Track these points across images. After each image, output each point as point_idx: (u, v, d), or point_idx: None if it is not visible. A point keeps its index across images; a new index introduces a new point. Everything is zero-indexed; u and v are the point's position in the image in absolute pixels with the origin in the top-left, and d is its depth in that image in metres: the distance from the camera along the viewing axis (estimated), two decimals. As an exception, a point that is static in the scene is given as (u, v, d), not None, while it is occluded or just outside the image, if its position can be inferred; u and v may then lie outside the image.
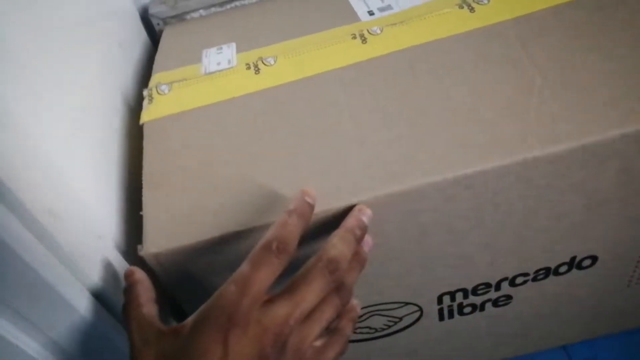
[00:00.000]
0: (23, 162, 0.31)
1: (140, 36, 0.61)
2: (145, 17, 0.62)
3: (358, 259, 0.34)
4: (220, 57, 0.50)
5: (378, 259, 0.42)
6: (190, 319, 0.31)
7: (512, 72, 0.41)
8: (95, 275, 0.37)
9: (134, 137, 0.47)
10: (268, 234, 0.31)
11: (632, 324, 0.60)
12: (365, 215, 0.35)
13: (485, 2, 0.46)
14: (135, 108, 0.52)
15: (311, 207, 0.33)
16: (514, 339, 0.57)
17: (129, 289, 0.35)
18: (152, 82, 0.49)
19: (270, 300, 0.30)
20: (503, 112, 0.39)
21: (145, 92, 0.47)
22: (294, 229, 0.31)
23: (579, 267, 0.48)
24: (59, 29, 0.42)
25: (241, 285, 0.29)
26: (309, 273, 0.31)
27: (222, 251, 0.38)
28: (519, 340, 0.58)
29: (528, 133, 0.37)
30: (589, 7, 0.43)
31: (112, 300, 0.39)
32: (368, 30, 0.46)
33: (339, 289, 0.32)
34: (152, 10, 0.61)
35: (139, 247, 0.38)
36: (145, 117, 0.45)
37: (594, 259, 0.47)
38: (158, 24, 0.62)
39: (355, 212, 0.35)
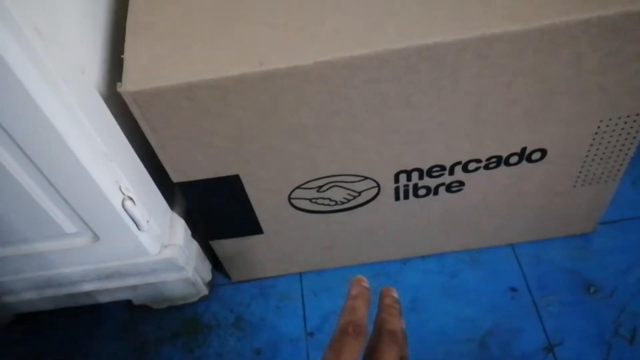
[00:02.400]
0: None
1: None
2: None
3: (404, 332, 0.35)
4: None
5: (340, 127, 0.45)
6: None
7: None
8: (76, 105, 0.40)
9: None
10: (341, 321, 0.32)
11: (579, 228, 0.65)
12: (396, 292, 0.36)
13: None
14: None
15: (369, 290, 0.35)
16: (465, 230, 0.62)
17: (358, 299, 0.34)
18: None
19: None
20: (471, -9, 0.41)
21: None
22: (362, 312, 0.33)
23: (529, 159, 0.51)
24: None
25: None
26: (380, 347, 0.32)
27: (195, 97, 0.41)
28: (469, 233, 0.62)
29: (489, 12, 0.40)
30: None
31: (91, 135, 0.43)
32: None
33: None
34: None
35: (118, 84, 0.40)
36: (133, -30, 0.47)
37: (543, 152, 0.51)
38: None
39: (387, 291, 0.36)
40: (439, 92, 0.43)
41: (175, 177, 0.49)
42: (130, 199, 0.49)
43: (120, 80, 0.41)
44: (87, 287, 0.61)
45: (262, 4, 0.43)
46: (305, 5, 0.42)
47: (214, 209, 0.54)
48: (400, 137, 0.47)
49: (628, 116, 0.48)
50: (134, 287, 0.62)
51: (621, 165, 0.54)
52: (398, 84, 0.42)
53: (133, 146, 0.50)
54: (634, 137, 0.50)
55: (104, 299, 0.63)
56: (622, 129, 0.49)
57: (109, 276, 0.59)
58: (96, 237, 0.52)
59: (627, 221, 0.66)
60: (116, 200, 0.48)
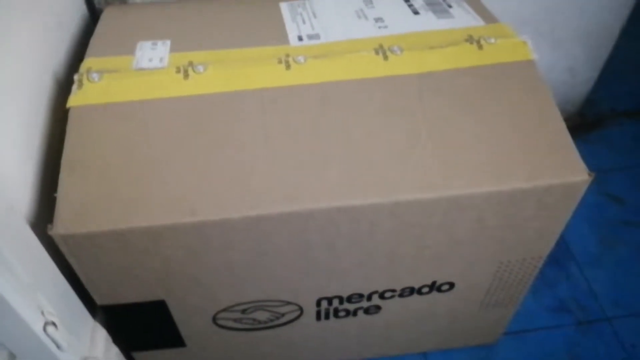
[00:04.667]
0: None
1: (80, 12, 0.62)
2: (88, -6, 0.63)
3: None
4: (154, 53, 0.54)
5: (267, 265, 0.48)
6: None
7: (405, 123, 0.47)
8: (3, 247, 0.41)
9: (60, 117, 0.50)
10: None
11: (484, 340, 0.70)
12: None
13: (399, 53, 0.52)
14: (64, 86, 0.55)
15: None
16: (379, 342, 0.65)
17: None
18: (84, 66, 0.52)
19: None
20: (390, 156, 0.45)
21: (75, 77, 0.50)
22: None
23: (439, 290, 0.56)
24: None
25: None
26: None
27: (126, 240, 0.43)
28: (384, 343, 0.66)
29: (404, 178, 0.44)
30: (481, 76, 0.50)
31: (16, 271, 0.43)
32: (293, 59, 0.52)
33: None
34: (95, -11, 0.62)
35: (49, 226, 0.41)
36: (72, 101, 0.48)
37: (451, 284, 0.56)
38: (99, 3, 0.63)
39: None
40: (358, 240, 0.47)
41: (100, 300, 0.50)
42: (53, 323, 0.48)
43: (50, 218, 0.41)
44: (-4, 397, 0.58)
45: (200, 149, 0.46)
46: (240, 156, 0.45)
47: (137, 327, 0.55)
48: (324, 273, 0.51)
49: (524, 259, 0.54)
50: (47, 397, 0.60)
51: (521, 292, 0.60)
52: (321, 234, 0.45)
53: (59, 265, 0.50)
54: (530, 273, 0.56)
55: (13, 407, 0.61)
56: (519, 267, 0.55)
57: (21, 388, 0.57)
58: (12, 356, 0.51)
59: (527, 333, 0.72)
60: (38, 325, 0.47)
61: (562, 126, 0.47)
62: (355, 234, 0.46)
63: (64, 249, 0.43)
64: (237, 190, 0.44)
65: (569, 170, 0.45)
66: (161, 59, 0.53)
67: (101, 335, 0.59)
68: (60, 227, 0.41)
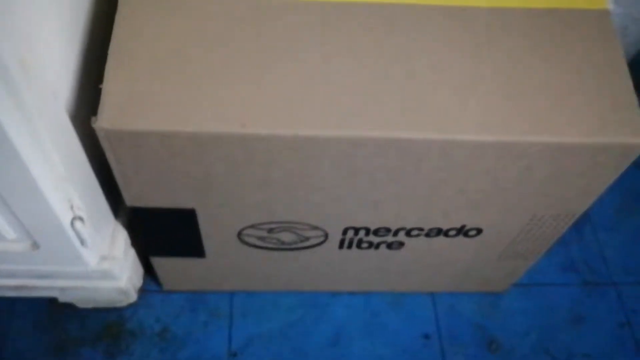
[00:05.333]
0: None
1: None
2: None
3: None
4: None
5: (305, 187, 0.47)
6: None
7: (471, 57, 0.45)
8: (44, 133, 0.39)
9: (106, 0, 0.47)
10: None
11: (494, 288, 0.71)
12: None
13: (467, -17, 0.49)
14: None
15: None
16: (394, 277, 0.66)
17: None
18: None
19: None
20: (450, 93, 0.43)
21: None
22: None
23: (466, 234, 0.56)
24: None
25: None
26: None
27: (171, 144, 0.41)
28: (397, 279, 0.67)
29: (460, 118, 0.42)
30: (554, 20, 0.48)
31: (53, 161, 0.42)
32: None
33: None
34: None
35: (92, 118, 0.40)
36: (122, -12, 0.45)
37: (479, 230, 0.55)
38: None
39: None
40: (402, 175, 0.46)
41: (130, 201, 0.49)
42: (80, 218, 0.48)
43: (94, 109, 0.40)
44: (13, 282, 0.59)
45: (256, 60, 0.43)
46: (297, 73, 0.43)
47: (161, 233, 0.54)
48: (358, 202, 0.50)
49: (558, 214, 0.53)
50: (63, 288, 0.61)
51: (543, 247, 0.60)
52: (368, 164, 0.44)
53: (91, 161, 0.49)
54: (559, 230, 0.56)
55: (29, 294, 0.62)
56: (550, 222, 0.55)
57: (39, 276, 0.58)
58: (36, 246, 0.51)
59: (535, 286, 0.73)
60: (66, 218, 0.47)
61: (629, 84, 0.45)
62: (400, 167, 0.45)
63: (105, 144, 0.41)
64: (289, 108, 0.42)
65: (629, 131, 0.44)
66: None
67: (122, 236, 0.59)
68: (105, 121, 0.40)
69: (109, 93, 0.41)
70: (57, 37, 0.41)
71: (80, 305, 0.65)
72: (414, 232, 0.55)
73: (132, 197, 0.48)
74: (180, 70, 0.42)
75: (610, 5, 0.49)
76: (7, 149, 0.37)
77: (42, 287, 0.60)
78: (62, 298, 0.63)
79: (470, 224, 0.54)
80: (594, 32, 0.47)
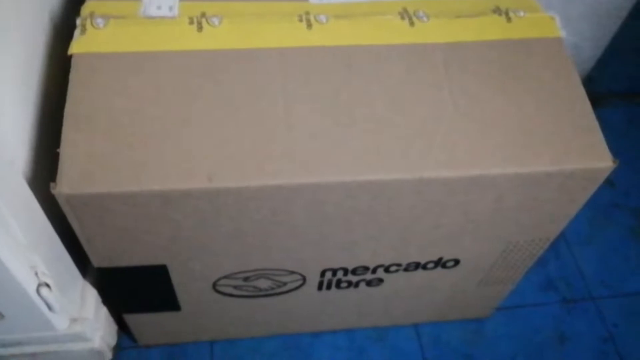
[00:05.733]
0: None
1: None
2: None
3: None
4: (162, 0, 0.50)
5: (278, 235, 0.46)
6: None
7: (431, 95, 0.45)
8: (2, 205, 0.38)
9: (58, 62, 0.46)
10: None
11: (477, 314, 0.71)
12: None
13: (425, 20, 0.49)
14: (61, 29, 0.50)
15: None
16: (376, 312, 0.65)
17: None
18: (85, 9, 0.47)
19: None
20: (414, 131, 0.43)
21: (78, 21, 0.46)
22: None
23: (444, 266, 0.55)
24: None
25: None
26: None
27: (135, 203, 0.40)
28: (379, 314, 0.66)
29: (427, 155, 0.42)
30: (509, 50, 0.48)
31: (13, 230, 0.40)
32: (315, 17, 0.48)
33: None
34: None
35: (52, 184, 0.38)
36: (75, 48, 0.44)
37: (456, 261, 0.55)
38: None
39: None
40: (375, 216, 0.45)
41: (97, 262, 0.47)
42: (47, 284, 0.46)
43: (53, 174, 0.38)
44: (-21, 353, 0.56)
45: (216, 111, 0.43)
46: (259, 122, 0.43)
47: (133, 290, 0.53)
48: (334, 244, 0.49)
49: (532, 240, 0.53)
50: (34, 354, 0.58)
51: (521, 272, 0.60)
52: (339, 208, 0.44)
53: (55, 223, 0.47)
54: (535, 254, 0.56)
55: (-4, 364, 0.59)
56: (526, 248, 0.55)
57: (7, 345, 0.55)
58: (1, 316, 0.49)
59: (516, 308, 0.73)
60: (31, 286, 0.45)
61: (589, 109, 0.46)
62: (373, 209, 0.44)
63: (66, 209, 0.40)
64: (255, 158, 0.41)
65: (594, 156, 0.44)
66: (171, 8, 0.49)
67: (91, 295, 0.57)
68: (64, 186, 0.38)
69: (67, 156, 0.39)
70: (11, 101, 0.40)
71: (53, 369, 0.62)
72: (393, 268, 0.55)
73: (98, 259, 0.47)
74: (140, 129, 0.41)
75: (562, 33, 0.50)
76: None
77: (12, 355, 0.57)
78: (33, 364, 0.61)
79: (447, 255, 0.54)
80: (549, 61, 0.48)
